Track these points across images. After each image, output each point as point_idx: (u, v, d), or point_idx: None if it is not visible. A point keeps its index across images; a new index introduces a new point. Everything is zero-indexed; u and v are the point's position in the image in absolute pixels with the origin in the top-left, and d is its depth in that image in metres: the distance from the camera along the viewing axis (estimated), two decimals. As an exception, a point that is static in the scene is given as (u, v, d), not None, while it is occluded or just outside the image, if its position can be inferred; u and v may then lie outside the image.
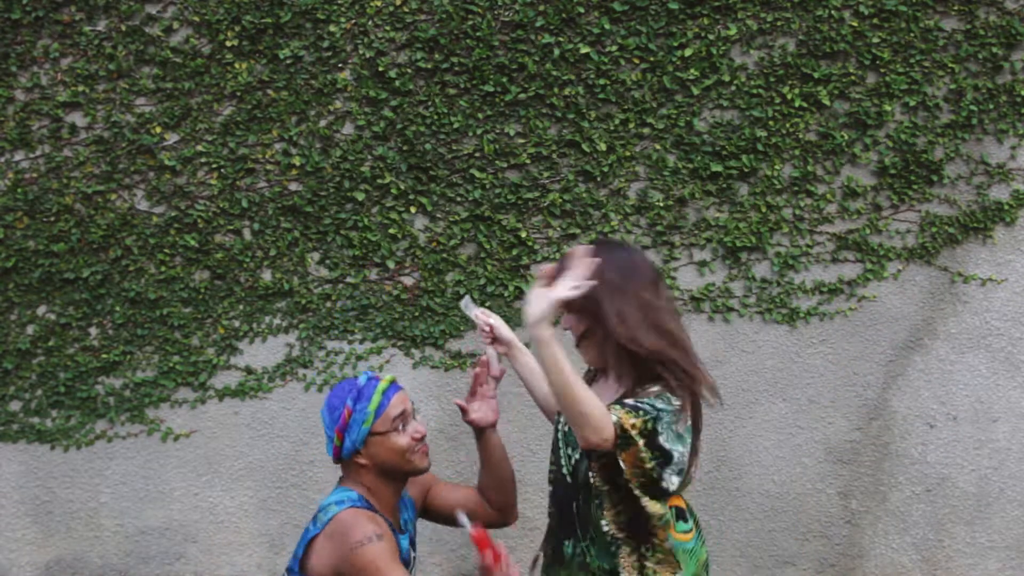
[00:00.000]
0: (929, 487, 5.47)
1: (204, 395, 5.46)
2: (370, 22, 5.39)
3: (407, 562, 3.35)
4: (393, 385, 3.34)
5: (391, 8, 5.39)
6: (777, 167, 5.41)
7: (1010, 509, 5.48)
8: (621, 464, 3.03)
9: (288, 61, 5.38)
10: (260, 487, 5.48)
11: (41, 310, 5.43)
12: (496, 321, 3.60)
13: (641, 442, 3.01)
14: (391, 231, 5.42)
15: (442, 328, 5.44)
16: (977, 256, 5.45)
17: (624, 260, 3.18)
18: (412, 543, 3.44)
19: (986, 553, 5.48)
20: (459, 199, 5.44)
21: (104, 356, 5.41)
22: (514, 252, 5.42)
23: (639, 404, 3.05)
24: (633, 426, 3.00)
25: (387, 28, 5.39)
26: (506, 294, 5.40)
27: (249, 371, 5.46)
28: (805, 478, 5.48)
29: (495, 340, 3.58)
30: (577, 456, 3.24)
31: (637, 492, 3.08)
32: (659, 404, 3.06)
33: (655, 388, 3.11)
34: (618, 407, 3.04)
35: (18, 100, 5.40)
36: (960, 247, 5.46)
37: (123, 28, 5.38)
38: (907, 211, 5.46)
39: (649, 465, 3.03)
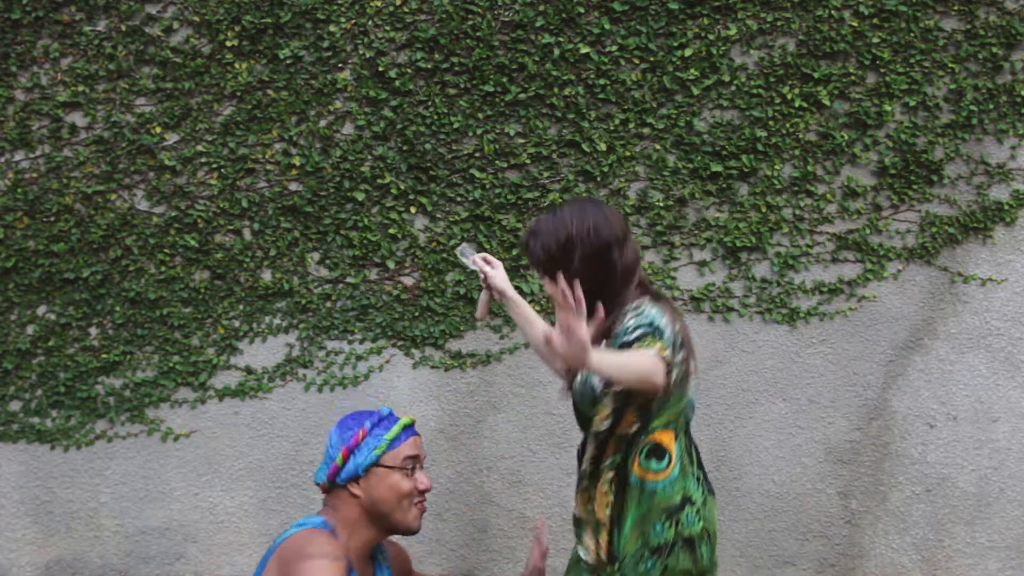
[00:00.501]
0: (929, 487, 5.47)
1: (204, 395, 5.46)
2: (370, 22, 5.39)
3: None
4: (413, 427, 3.16)
5: (391, 8, 5.39)
6: (777, 167, 5.41)
7: (1010, 509, 5.48)
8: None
9: (288, 61, 5.38)
10: (260, 487, 5.48)
11: (41, 310, 5.43)
12: (491, 270, 3.63)
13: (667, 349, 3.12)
14: (391, 231, 5.42)
15: (442, 328, 5.44)
16: (977, 256, 5.45)
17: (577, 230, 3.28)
18: None
19: (986, 553, 5.48)
20: (459, 199, 5.43)
21: (104, 356, 5.41)
22: (514, 252, 5.41)
23: (639, 327, 3.11)
24: (661, 347, 3.09)
25: (387, 28, 5.39)
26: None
27: (249, 371, 5.46)
28: (805, 478, 5.48)
29: (490, 287, 3.61)
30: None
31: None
32: (644, 315, 3.14)
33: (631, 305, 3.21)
34: (641, 342, 3.09)
35: (18, 100, 5.40)
36: (960, 247, 5.46)
37: (123, 28, 5.38)
38: (907, 211, 5.46)
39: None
